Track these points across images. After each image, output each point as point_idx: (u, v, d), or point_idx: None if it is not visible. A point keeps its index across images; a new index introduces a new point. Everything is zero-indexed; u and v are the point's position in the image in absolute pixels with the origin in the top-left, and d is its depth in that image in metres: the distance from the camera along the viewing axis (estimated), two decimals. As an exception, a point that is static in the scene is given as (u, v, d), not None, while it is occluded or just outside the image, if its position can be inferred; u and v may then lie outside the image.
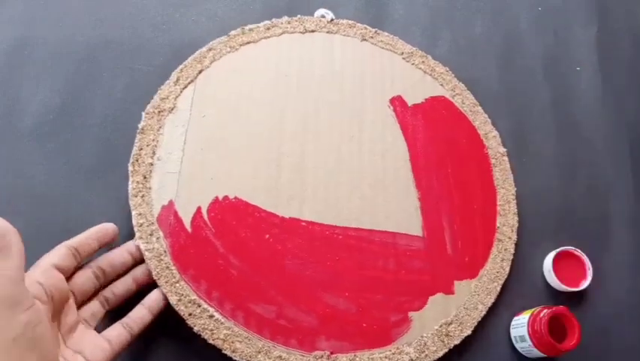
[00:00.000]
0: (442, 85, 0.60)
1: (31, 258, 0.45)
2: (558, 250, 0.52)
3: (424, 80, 0.60)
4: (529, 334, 0.47)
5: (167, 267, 0.46)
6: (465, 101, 0.60)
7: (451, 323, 0.49)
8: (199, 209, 0.49)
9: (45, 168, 0.50)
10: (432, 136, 0.57)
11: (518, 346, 0.49)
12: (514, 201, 0.56)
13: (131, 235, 0.47)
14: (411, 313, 0.49)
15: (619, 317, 0.53)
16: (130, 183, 0.48)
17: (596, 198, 0.58)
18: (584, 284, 0.51)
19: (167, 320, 0.45)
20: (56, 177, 0.50)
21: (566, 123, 0.62)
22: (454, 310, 0.49)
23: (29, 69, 0.54)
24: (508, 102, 0.61)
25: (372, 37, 0.61)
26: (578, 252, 0.52)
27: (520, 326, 0.49)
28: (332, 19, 0.61)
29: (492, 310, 0.51)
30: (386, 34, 0.62)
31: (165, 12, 0.59)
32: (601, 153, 0.61)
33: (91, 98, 0.54)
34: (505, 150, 0.58)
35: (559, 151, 0.60)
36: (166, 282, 0.45)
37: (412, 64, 0.61)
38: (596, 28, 0.68)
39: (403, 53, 0.61)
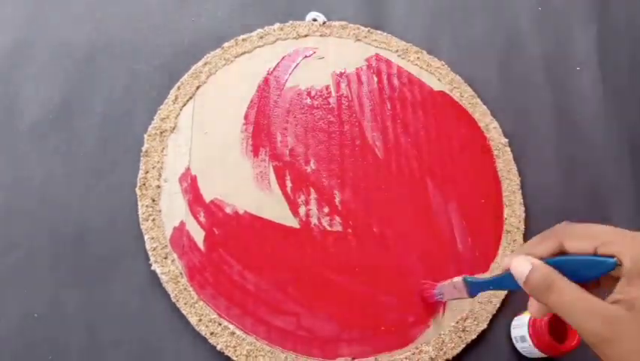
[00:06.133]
0: (439, 80, 0.60)
1: (29, 258, 0.46)
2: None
3: (420, 76, 0.60)
4: (529, 334, 0.47)
5: (185, 288, 0.46)
6: (463, 94, 0.60)
7: (466, 319, 0.50)
8: (210, 227, 0.49)
9: (45, 168, 0.50)
10: (435, 132, 0.57)
11: (519, 346, 0.50)
12: (520, 191, 0.56)
13: (132, 238, 0.48)
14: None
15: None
16: (139, 207, 0.49)
17: (596, 198, 0.58)
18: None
19: (191, 337, 0.46)
20: (56, 177, 0.50)
21: (566, 123, 0.62)
22: (468, 305, 0.50)
23: (29, 69, 0.54)
24: (508, 102, 0.61)
25: (365, 36, 0.61)
26: None
27: (520, 326, 0.49)
28: (324, 22, 0.61)
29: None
30: (379, 32, 0.61)
31: (165, 12, 0.59)
32: (601, 153, 0.61)
33: (91, 98, 0.53)
34: (506, 140, 0.59)
35: (559, 151, 0.60)
36: (185, 303, 0.46)
37: (408, 60, 0.61)
38: (596, 28, 0.67)
39: (397, 51, 0.61)
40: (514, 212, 0.55)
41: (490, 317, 0.50)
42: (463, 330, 0.49)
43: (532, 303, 0.33)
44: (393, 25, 0.63)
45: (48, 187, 0.49)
